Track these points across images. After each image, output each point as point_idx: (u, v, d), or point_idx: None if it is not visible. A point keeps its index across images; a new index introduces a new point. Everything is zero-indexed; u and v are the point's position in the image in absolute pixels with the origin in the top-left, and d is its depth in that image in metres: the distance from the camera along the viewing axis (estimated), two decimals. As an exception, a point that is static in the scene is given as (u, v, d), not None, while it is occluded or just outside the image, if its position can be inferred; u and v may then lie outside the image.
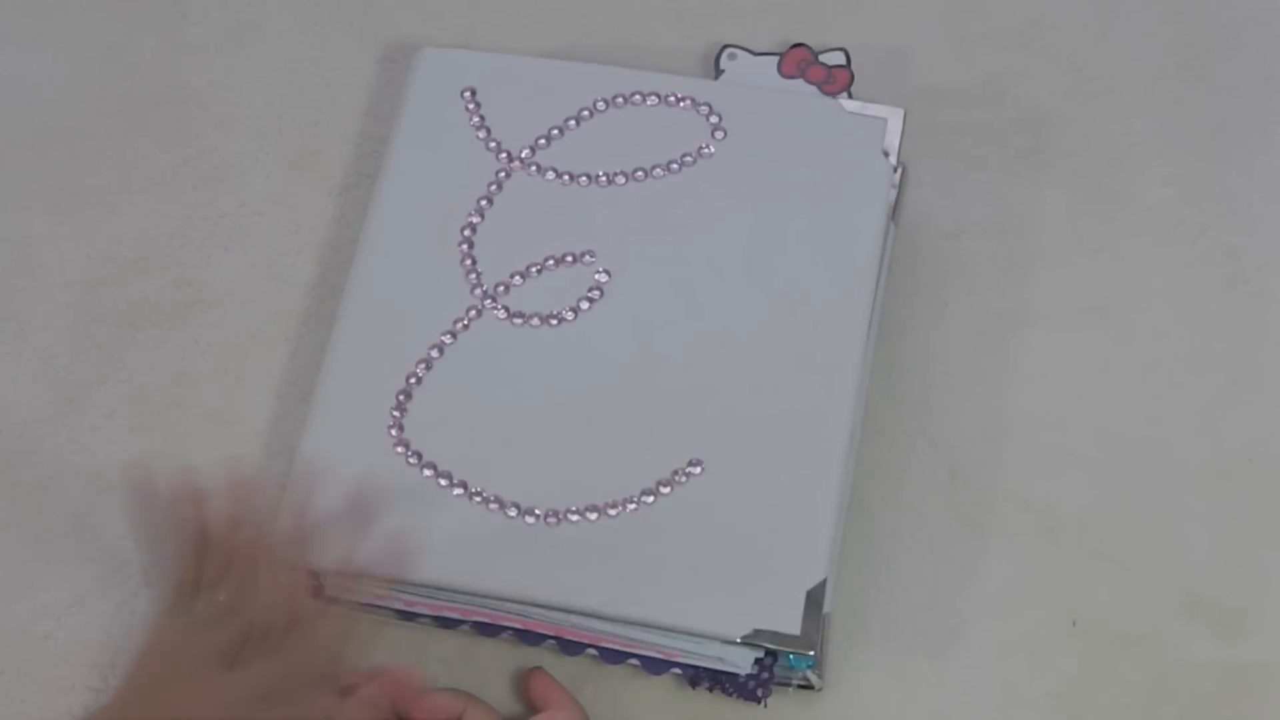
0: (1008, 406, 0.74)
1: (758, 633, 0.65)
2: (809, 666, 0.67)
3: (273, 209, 0.81)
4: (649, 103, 0.77)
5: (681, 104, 0.77)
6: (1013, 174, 0.79)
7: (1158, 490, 0.73)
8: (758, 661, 0.67)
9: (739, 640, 0.65)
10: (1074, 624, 0.70)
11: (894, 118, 0.75)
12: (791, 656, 0.66)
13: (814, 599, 0.66)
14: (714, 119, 0.76)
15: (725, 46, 0.81)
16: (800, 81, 0.80)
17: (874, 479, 0.72)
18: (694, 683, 0.69)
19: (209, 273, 0.80)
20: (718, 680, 0.68)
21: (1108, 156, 0.80)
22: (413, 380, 0.71)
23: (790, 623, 0.65)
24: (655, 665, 0.68)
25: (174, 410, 0.77)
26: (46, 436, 0.77)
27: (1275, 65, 0.81)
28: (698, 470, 0.69)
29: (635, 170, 0.75)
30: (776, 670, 0.67)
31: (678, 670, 0.68)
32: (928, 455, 0.74)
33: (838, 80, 0.80)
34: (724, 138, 0.76)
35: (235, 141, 0.83)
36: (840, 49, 0.81)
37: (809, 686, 0.68)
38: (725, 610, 0.66)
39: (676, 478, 0.69)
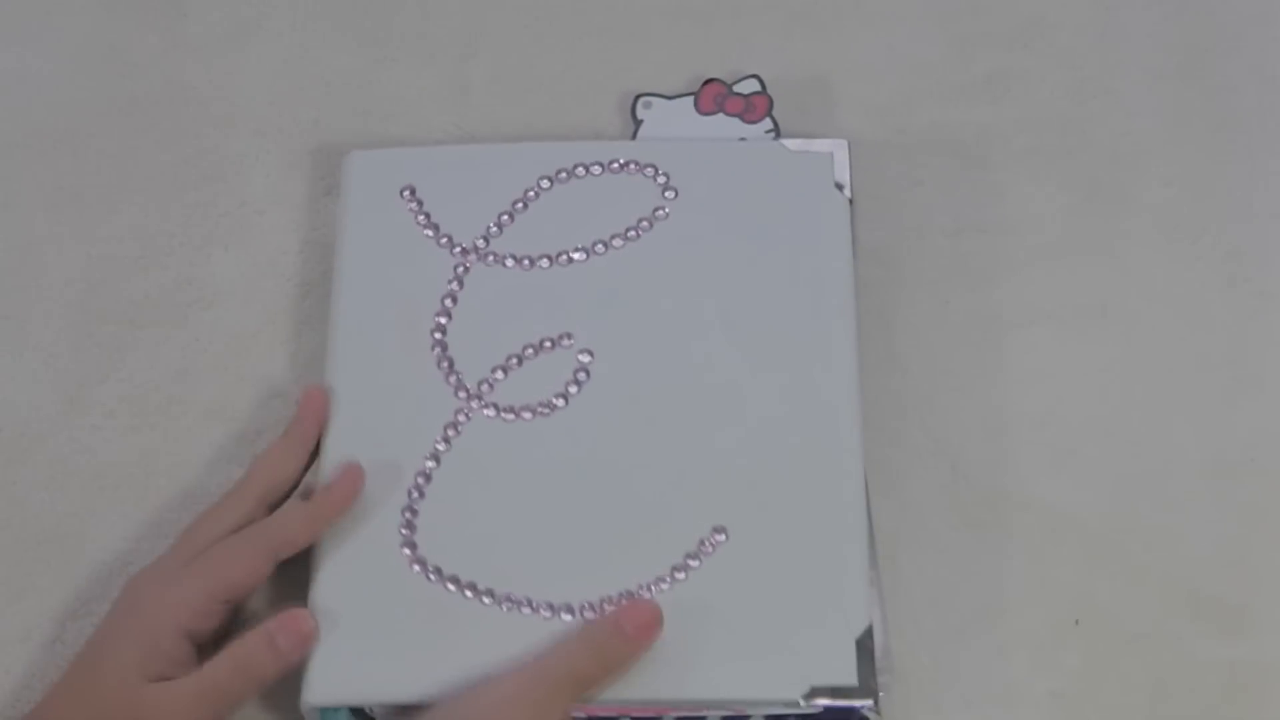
0: (1009, 405, 0.74)
1: (815, 690, 0.65)
2: (863, 709, 0.66)
3: (273, 208, 0.81)
4: (593, 172, 0.76)
5: (627, 169, 0.76)
6: (1013, 173, 0.79)
7: (1159, 489, 0.73)
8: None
9: (800, 702, 0.65)
10: (1076, 622, 0.70)
11: (839, 150, 0.75)
12: None
13: (863, 646, 0.65)
14: (662, 179, 0.75)
15: (639, 96, 0.81)
16: (721, 116, 0.80)
17: (875, 478, 0.72)
18: None
19: (209, 271, 0.80)
20: None
21: (1108, 156, 0.80)
22: (415, 495, 0.69)
23: (846, 674, 0.65)
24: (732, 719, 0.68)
25: (174, 408, 0.77)
26: (47, 435, 0.77)
27: (1275, 65, 0.81)
28: (722, 537, 0.68)
29: (594, 244, 0.74)
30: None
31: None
32: (929, 454, 0.74)
33: (757, 108, 0.80)
34: (675, 197, 0.75)
35: (235, 140, 0.83)
36: (754, 76, 0.80)
37: None
38: (779, 674, 0.65)
39: (703, 548, 0.68)
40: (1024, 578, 0.71)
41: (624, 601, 0.67)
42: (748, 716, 0.67)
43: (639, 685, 0.65)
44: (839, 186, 0.75)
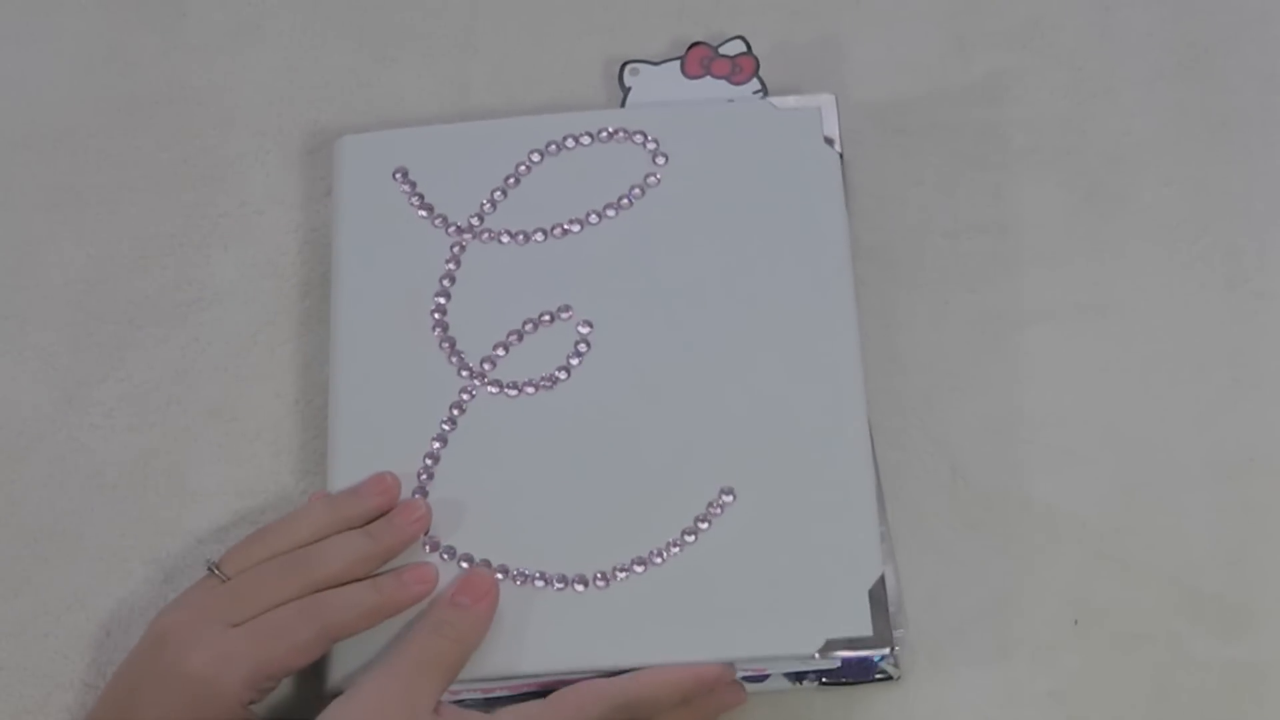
0: (1008, 405, 0.74)
1: (830, 643, 0.65)
2: (881, 660, 0.67)
3: (273, 208, 0.81)
4: (583, 143, 0.76)
5: (616, 137, 0.76)
6: (1013, 174, 0.79)
7: (1159, 489, 0.73)
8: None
9: (816, 655, 0.65)
10: (1075, 623, 0.70)
11: (827, 105, 0.76)
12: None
13: (876, 597, 0.66)
14: (651, 145, 0.76)
15: (626, 63, 0.81)
16: (708, 79, 0.80)
17: (879, 480, 0.72)
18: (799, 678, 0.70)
19: (209, 271, 0.80)
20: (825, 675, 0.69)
21: (1108, 156, 0.80)
22: (424, 478, 0.70)
23: (860, 626, 0.66)
24: (753, 679, 0.68)
25: (174, 408, 0.77)
26: (46, 434, 0.77)
27: (1275, 65, 0.81)
28: (730, 499, 0.68)
29: (588, 215, 0.75)
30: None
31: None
32: (928, 454, 0.74)
33: (743, 69, 0.80)
34: (666, 162, 0.75)
35: (235, 140, 0.83)
36: (738, 37, 0.81)
37: (888, 677, 0.69)
38: (794, 629, 0.66)
39: (712, 510, 0.68)
40: (1024, 578, 0.71)
41: (627, 573, 0.67)
42: (767, 674, 0.67)
43: (654, 649, 0.66)
44: (828, 141, 0.75)
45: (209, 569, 0.66)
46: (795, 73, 0.81)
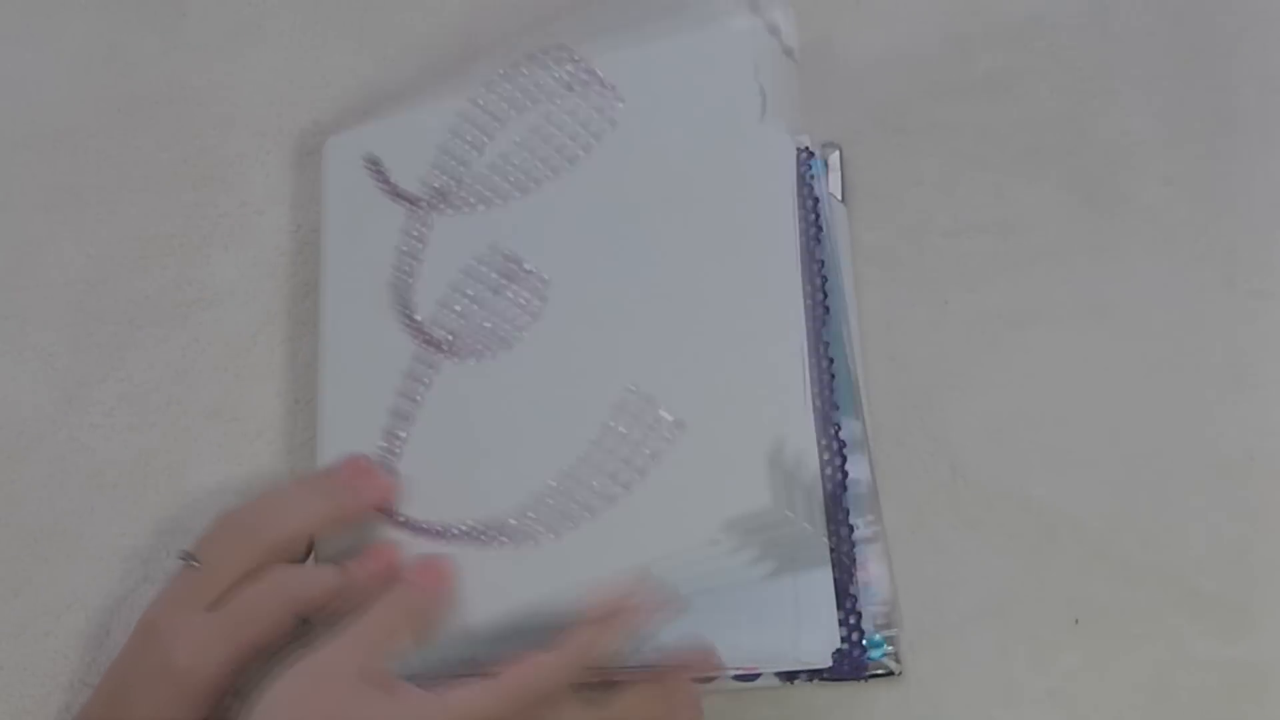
0: (1008, 405, 0.74)
1: (730, 523, 0.62)
2: (882, 655, 0.67)
3: (273, 208, 0.81)
4: (524, 72, 0.75)
5: (573, 87, 0.74)
6: (1013, 174, 0.79)
7: (1158, 489, 0.73)
8: (838, 653, 0.67)
9: (720, 539, 0.62)
10: (1076, 622, 0.70)
11: (784, 11, 0.73)
12: (871, 639, 0.67)
13: (778, 463, 0.63)
14: (610, 91, 0.74)
15: None
16: None
17: (874, 477, 0.72)
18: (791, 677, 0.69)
19: (209, 272, 0.80)
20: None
21: (1108, 156, 0.80)
22: (393, 454, 0.70)
23: (757, 495, 0.62)
24: (744, 678, 0.68)
25: (174, 409, 0.77)
26: (46, 434, 0.77)
27: (1275, 65, 0.81)
28: (681, 431, 0.66)
29: (546, 171, 0.74)
30: (861, 646, 0.68)
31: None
32: (928, 453, 0.74)
33: None
34: (623, 106, 0.73)
35: (235, 141, 0.83)
36: None
37: (888, 673, 0.69)
38: (692, 518, 0.64)
39: (662, 446, 0.67)
40: (1024, 578, 0.71)
41: (576, 528, 0.67)
42: (759, 673, 0.67)
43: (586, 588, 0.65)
44: (787, 51, 0.73)
45: (181, 558, 0.66)
46: (795, 72, 0.81)
